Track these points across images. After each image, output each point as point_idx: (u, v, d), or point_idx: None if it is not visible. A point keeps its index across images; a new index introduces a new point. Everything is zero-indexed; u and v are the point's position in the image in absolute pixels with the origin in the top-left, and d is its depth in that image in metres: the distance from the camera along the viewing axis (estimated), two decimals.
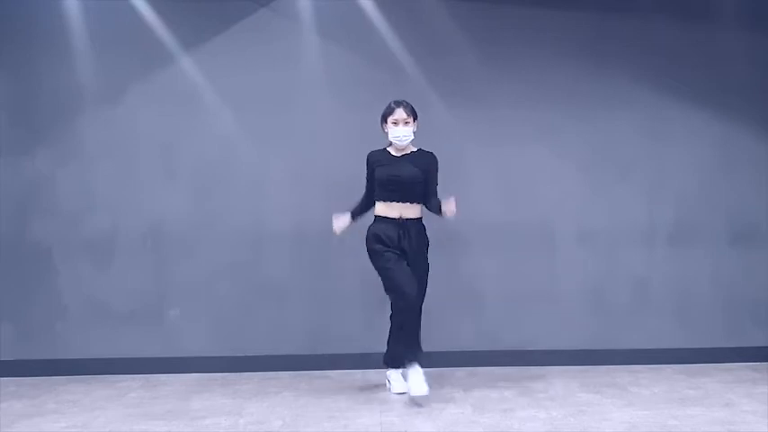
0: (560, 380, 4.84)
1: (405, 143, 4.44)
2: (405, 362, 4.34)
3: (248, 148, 5.25)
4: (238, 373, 5.10)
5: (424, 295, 4.43)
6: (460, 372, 5.05)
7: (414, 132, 4.46)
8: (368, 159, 4.52)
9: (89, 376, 5.07)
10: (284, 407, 4.27)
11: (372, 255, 4.39)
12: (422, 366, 4.30)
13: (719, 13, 5.34)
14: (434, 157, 4.52)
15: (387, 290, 4.33)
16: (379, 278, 4.37)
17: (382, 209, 4.44)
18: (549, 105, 5.29)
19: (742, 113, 5.35)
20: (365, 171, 4.52)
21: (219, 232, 5.21)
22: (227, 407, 4.30)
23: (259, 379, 4.97)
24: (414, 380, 4.24)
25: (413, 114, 4.45)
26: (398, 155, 4.48)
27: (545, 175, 5.29)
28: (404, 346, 4.33)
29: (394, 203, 4.40)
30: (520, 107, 5.28)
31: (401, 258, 4.35)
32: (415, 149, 4.52)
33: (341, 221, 4.53)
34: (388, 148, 4.53)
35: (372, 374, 4.92)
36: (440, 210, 4.39)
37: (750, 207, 5.35)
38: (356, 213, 4.57)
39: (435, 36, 5.29)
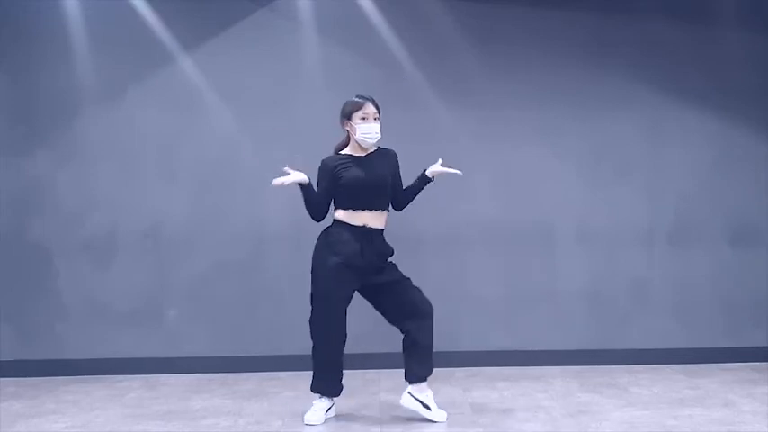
0: (560, 380, 4.84)
1: (375, 140, 4.01)
2: (417, 378, 4.02)
3: (248, 149, 5.25)
4: (238, 373, 5.10)
5: (428, 304, 4.06)
6: (460, 372, 5.05)
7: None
8: (323, 167, 4.01)
9: (89, 376, 5.07)
10: (284, 407, 4.28)
11: (320, 270, 3.96)
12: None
13: (720, 13, 5.34)
14: (395, 154, 4.14)
15: (312, 323, 3.98)
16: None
17: (344, 216, 4.00)
18: (548, 105, 5.29)
19: (742, 114, 5.35)
20: (317, 182, 4.03)
21: (219, 232, 5.22)
22: (226, 407, 4.30)
23: (259, 379, 4.97)
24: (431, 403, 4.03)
25: (379, 110, 4.03)
26: (362, 155, 4.05)
27: (545, 175, 5.29)
28: (416, 362, 4.00)
29: (359, 212, 3.98)
30: (520, 107, 5.28)
31: (348, 298, 3.98)
32: (374, 148, 4.09)
33: (294, 177, 3.94)
34: (344, 152, 4.08)
35: (372, 374, 4.93)
36: (416, 188, 4.09)
37: (750, 207, 5.35)
38: (310, 196, 4.00)
39: (435, 36, 5.29)
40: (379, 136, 4.03)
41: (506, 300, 5.26)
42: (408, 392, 4.04)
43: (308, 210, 4.05)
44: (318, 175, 4.05)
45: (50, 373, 5.10)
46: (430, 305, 4.07)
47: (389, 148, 4.16)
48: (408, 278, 4.10)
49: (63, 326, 5.17)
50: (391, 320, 4.09)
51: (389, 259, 4.10)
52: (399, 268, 4.12)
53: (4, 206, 5.18)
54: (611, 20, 5.32)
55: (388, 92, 5.20)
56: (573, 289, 5.29)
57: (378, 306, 4.11)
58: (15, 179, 5.18)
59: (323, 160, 4.07)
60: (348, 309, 3.90)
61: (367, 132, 3.99)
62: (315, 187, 4.04)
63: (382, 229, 4.07)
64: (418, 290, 4.09)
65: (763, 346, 5.30)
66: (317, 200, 4.03)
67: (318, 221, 4.08)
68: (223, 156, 5.24)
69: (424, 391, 4.04)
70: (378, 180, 4.02)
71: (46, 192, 5.19)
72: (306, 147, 5.21)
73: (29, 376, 5.06)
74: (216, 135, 5.25)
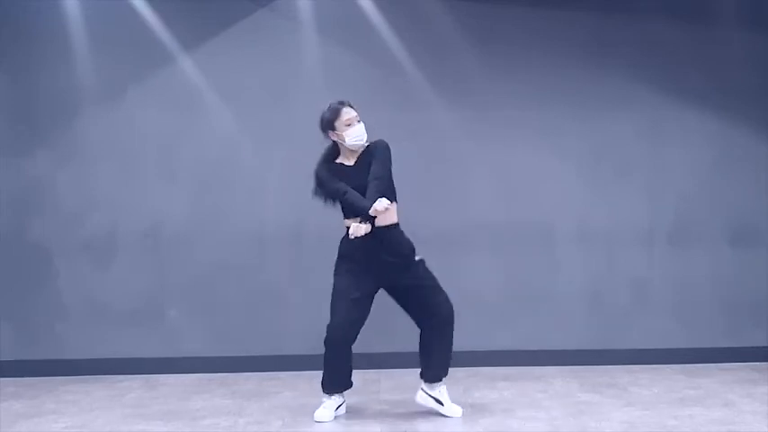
0: (560, 380, 4.84)
1: (364, 140, 4.00)
2: (431, 378, 4.07)
3: (248, 149, 5.25)
4: (238, 373, 5.10)
5: (448, 308, 4.03)
6: (460, 372, 5.04)
7: None
8: (327, 169, 4.02)
9: (89, 376, 5.07)
10: (284, 407, 4.28)
11: (336, 272, 4.08)
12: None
13: (720, 13, 5.34)
14: (380, 143, 4.01)
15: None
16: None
17: (350, 223, 3.98)
18: (548, 105, 5.28)
19: (742, 114, 5.35)
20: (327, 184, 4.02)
21: (219, 232, 5.21)
22: (226, 407, 4.30)
23: (259, 379, 4.97)
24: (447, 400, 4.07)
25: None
26: (351, 163, 4.04)
27: (545, 175, 5.29)
28: (433, 362, 4.05)
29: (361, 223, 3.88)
30: (520, 107, 5.28)
31: (362, 291, 3.98)
32: (363, 148, 4.05)
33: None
34: (338, 160, 4.07)
35: (372, 374, 4.93)
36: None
37: (750, 207, 5.34)
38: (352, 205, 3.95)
39: (435, 36, 5.28)
40: (366, 135, 4.02)
41: (507, 300, 5.26)
42: (422, 389, 4.09)
43: (357, 210, 3.91)
44: (323, 177, 4.01)
45: (50, 373, 5.09)
46: (450, 310, 4.04)
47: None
48: (433, 280, 4.06)
49: (63, 326, 5.17)
50: (414, 321, 4.10)
51: (418, 257, 4.07)
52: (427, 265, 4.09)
53: (4, 206, 5.18)
54: (611, 20, 5.32)
55: (387, 92, 5.23)
56: (573, 289, 5.29)
57: (402, 306, 4.12)
58: (15, 179, 5.18)
59: (319, 168, 4.05)
60: None
61: (356, 136, 4.00)
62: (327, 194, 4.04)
63: (394, 224, 4.02)
64: (441, 293, 4.05)
65: (763, 346, 5.30)
66: (353, 198, 3.90)
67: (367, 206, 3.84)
68: (223, 156, 5.24)
69: (436, 387, 4.07)
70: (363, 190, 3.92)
71: (46, 192, 5.19)
72: (306, 147, 5.19)
73: (29, 376, 5.06)
74: (216, 135, 5.25)
